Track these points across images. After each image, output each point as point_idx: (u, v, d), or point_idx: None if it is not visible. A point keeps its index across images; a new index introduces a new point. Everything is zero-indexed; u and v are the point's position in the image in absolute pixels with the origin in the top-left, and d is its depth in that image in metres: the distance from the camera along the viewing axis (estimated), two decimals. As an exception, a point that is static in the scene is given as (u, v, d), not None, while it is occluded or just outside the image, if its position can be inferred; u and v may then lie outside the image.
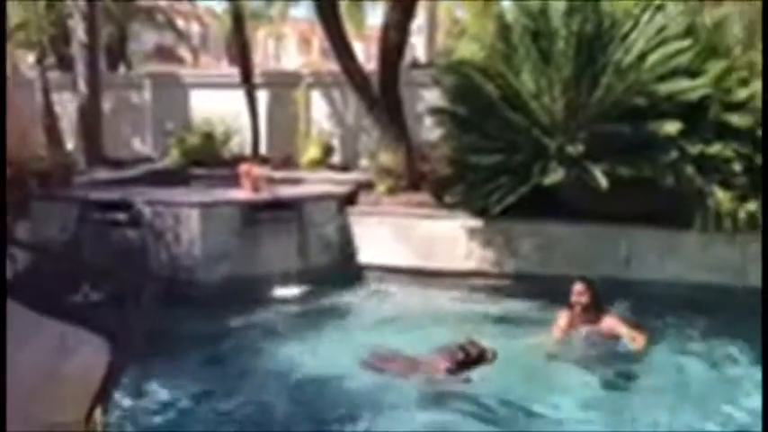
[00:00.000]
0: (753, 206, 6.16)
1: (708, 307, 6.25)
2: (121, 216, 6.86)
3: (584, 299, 5.53)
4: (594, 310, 5.53)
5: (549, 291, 6.65)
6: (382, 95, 8.25)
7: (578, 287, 5.59)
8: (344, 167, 9.59)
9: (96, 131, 9.91)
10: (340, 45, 8.48)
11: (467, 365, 4.91)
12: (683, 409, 4.62)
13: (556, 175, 6.39)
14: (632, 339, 5.43)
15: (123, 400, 4.19)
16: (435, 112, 7.67)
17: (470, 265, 7.35)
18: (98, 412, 1.19)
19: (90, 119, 9.80)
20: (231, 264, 6.82)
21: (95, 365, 1.16)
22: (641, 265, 6.96)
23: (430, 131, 8.58)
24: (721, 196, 6.18)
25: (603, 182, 6.18)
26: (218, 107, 10.16)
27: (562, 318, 5.63)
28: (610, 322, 5.56)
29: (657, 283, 6.79)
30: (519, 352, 5.41)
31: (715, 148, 6.20)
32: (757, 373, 4.92)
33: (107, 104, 10.72)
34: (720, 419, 4.49)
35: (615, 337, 5.51)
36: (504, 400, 4.63)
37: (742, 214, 6.18)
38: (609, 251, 7.03)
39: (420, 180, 8.14)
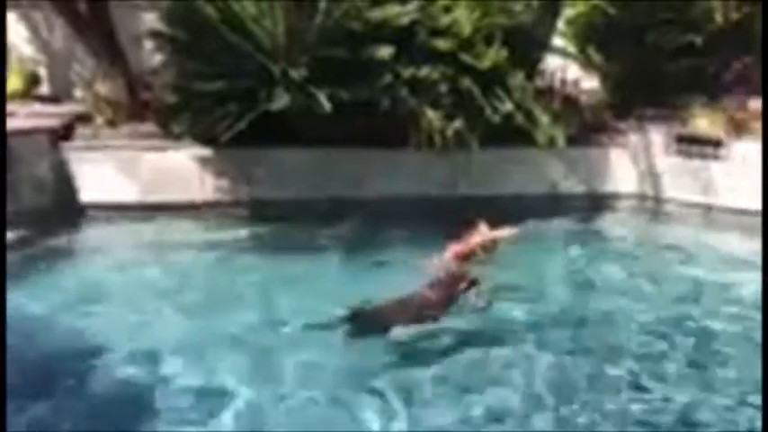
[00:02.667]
0: (458, 124, 6.81)
1: (427, 216, 6.92)
2: None
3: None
4: None
5: (288, 215, 6.88)
6: (91, 17, 7.52)
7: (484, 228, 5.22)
8: (55, 99, 8.66)
9: None
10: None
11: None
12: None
13: (281, 101, 6.44)
14: None
15: None
16: (153, 35, 7.19)
17: (205, 195, 7.21)
18: None
19: None
20: None
21: None
22: (368, 184, 7.41)
23: (152, 57, 8.06)
24: (432, 116, 6.73)
25: (327, 106, 6.38)
26: None
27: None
28: None
29: (383, 200, 7.31)
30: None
31: (424, 71, 6.68)
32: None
33: None
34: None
35: None
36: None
37: (450, 132, 6.80)
38: (340, 173, 7.36)
39: (144, 110, 7.69)
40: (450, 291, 4.71)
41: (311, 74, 6.50)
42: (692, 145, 7.59)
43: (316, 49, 6.53)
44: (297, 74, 6.47)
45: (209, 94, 6.70)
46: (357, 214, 6.95)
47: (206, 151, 7.12)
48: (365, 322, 4.47)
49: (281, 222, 6.83)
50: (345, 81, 6.52)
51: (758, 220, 6.64)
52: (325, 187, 7.25)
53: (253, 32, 6.53)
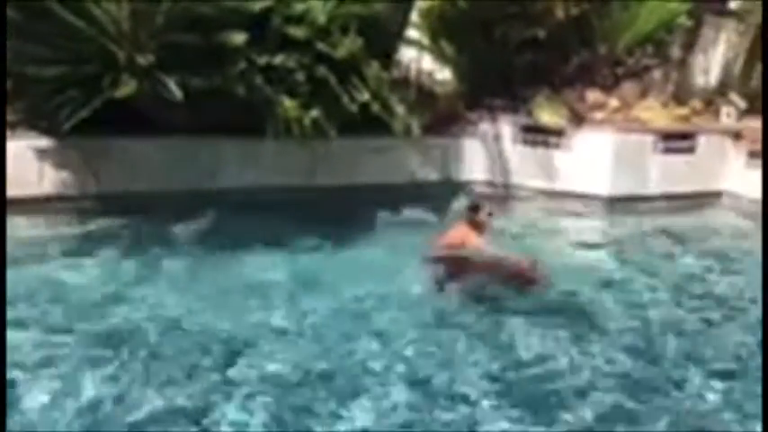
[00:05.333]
0: (315, 113, 6.78)
1: (285, 207, 6.85)
2: None
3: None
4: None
5: (139, 209, 6.59)
6: None
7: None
8: None
9: None
10: None
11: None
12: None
13: (128, 88, 6.16)
14: None
15: None
16: (-20, 15, 6.57)
17: (46, 189, 6.77)
18: None
19: None
20: None
21: None
22: (224, 174, 7.24)
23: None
24: (288, 105, 6.66)
25: (178, 93, 6.18)
26: None
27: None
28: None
29: (240, 191, 7.17)
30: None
31: (279, 59, 6.60)
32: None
33: None
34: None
35: None
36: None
37: (307, 121, 6.76)
38: (192, 163, 7.13)
39: (-29, 96, 7.01)
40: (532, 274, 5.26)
41: (160, 60, 6.25)
42: (537, 134, 8.06)
43: (164, 34, 6.28)
44: (144, 59, 6.19)
45: (48, 79, 6.29)
46: (212, 207, 6.77)
47: (45, 141, 6.67)
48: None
49: (130, 217, 6.52)
50: (197, 68, 6.33)
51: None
52: (179, 179, 7.00)
53: (94, 15, 6.15)
